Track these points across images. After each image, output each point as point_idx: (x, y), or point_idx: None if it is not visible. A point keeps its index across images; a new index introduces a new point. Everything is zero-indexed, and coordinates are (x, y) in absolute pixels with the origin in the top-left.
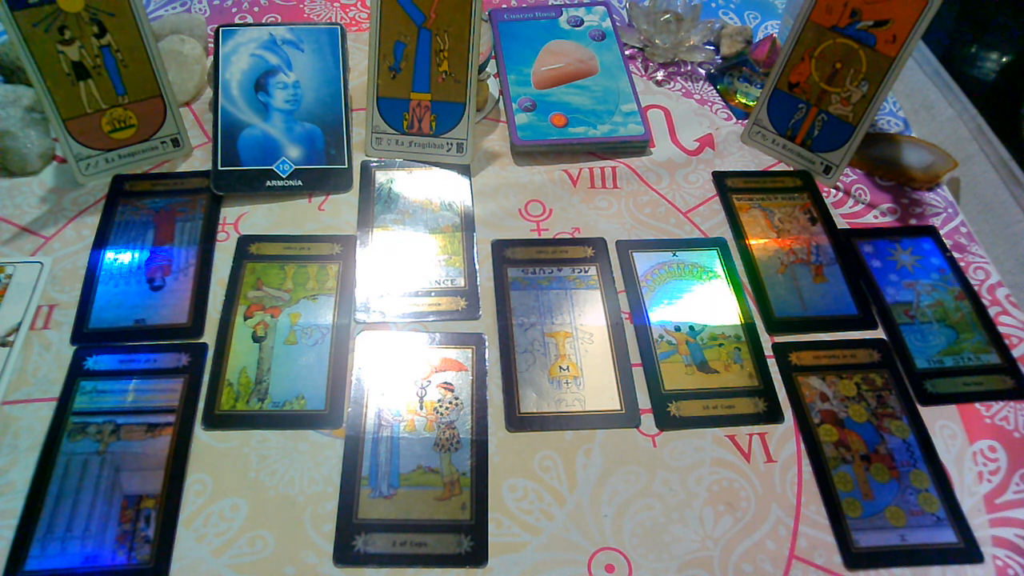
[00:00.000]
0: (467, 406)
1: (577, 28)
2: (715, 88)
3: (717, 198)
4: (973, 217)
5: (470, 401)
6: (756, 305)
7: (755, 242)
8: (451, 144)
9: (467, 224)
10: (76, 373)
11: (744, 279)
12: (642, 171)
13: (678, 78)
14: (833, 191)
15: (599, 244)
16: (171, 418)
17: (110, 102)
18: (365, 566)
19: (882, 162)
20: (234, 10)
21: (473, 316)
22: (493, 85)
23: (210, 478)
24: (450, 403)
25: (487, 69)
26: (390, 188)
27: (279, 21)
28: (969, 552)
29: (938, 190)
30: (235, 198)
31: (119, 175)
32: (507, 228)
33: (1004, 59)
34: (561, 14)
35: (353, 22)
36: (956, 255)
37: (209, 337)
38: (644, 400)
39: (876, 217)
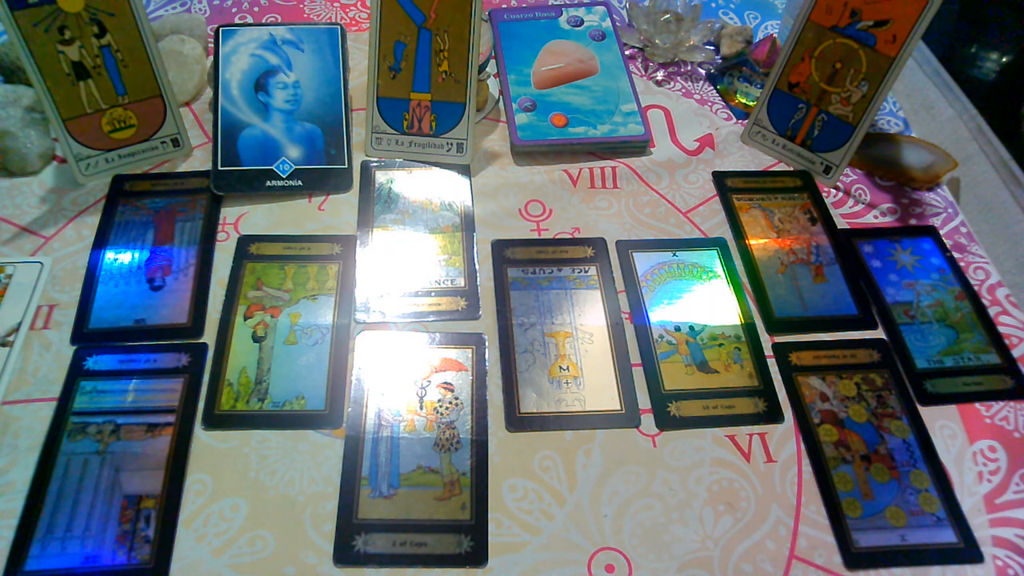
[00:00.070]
0: (467, 406)
1: (577, 28)
2: (715, 88)
3: (717, 198)
4: (973, 217)
5: (470, 401)
6: (756, 305)
7: (755, 242)
8: (451, 144)
9: (467, 224)
10: (76, 373)
11: (744, 279)
12: (642, 171)
13: (678, 78)
14: (833, 191)
15: (599, 244)
16: (171, 418)
17: (110, 102)
18: (365, 566)
19: (882, 162)
20: (234, 10)
21: (473, 316)
22: (493, 85)
23: (210, 478)
24: (450, 403)
25: (487, 69)
26: (390, 188)
27: (279, 21)
28: (969, 552)
29: (938, 190)
30: (235, 198)
31: (119, 175)
32: (507, 228)
33: (1004, 59)
34: (561, 14)
35: (353, 22)
36: (956, 255)
37: (209, 337)
38: (644, 400)
39: (876, 217)
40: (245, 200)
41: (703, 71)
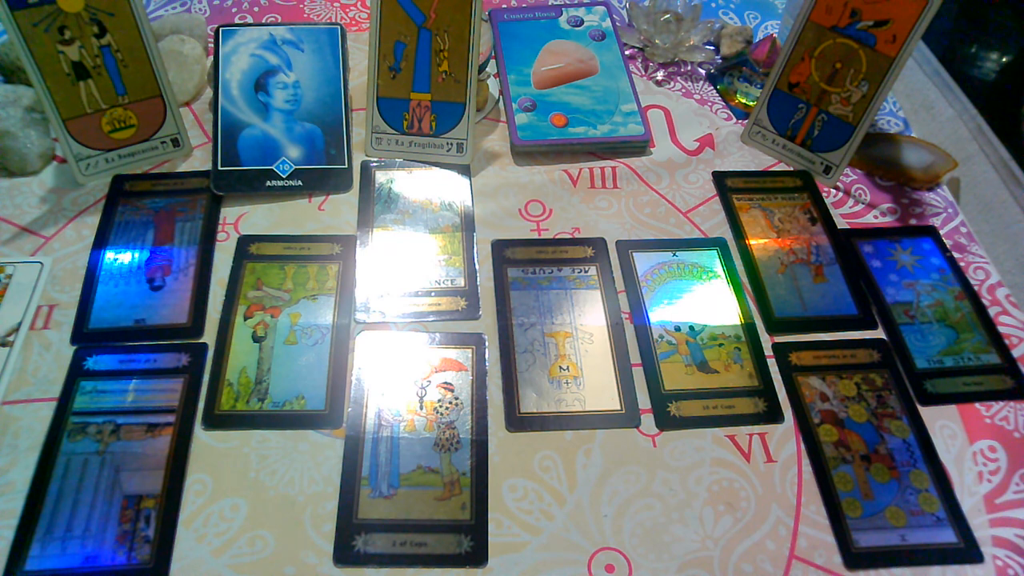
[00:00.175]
0: (467, 406)
1: (577, 28)
2: (715, 88)
3: (717, 198)
4: (973, 217)
5: (470, 401)
6: (756, 305)
7: (755, 242)
8: (451, 144)
9: (467, 224)
10: (76, 373)
11: (744, 279)
12: (642, 171)
13: (678, 78)
14: (833, 191)
15: (599, 244)
16: (171, 418)
17: (110, 102)
18: (365, 566)
19: (882, 162)
20: (234, 10)
21: (473, 316)
22: (493, 85)
23: (210, 478)
24: (450, 403)
25: (487, 69)
26: (390, 188)
27: (279, 21)
28: (969, 552)
29: (938, 190)
30: (235, 198)
31: (119, 175)
32: (507, 228)
33: (1004, 59)
34: (561, 14)
35: (353, 22)
36: (956, 255)
37: (209, 337)
38: (644, 400)
39: (876, 217)
40: (245, 200)
41: (703, 71)
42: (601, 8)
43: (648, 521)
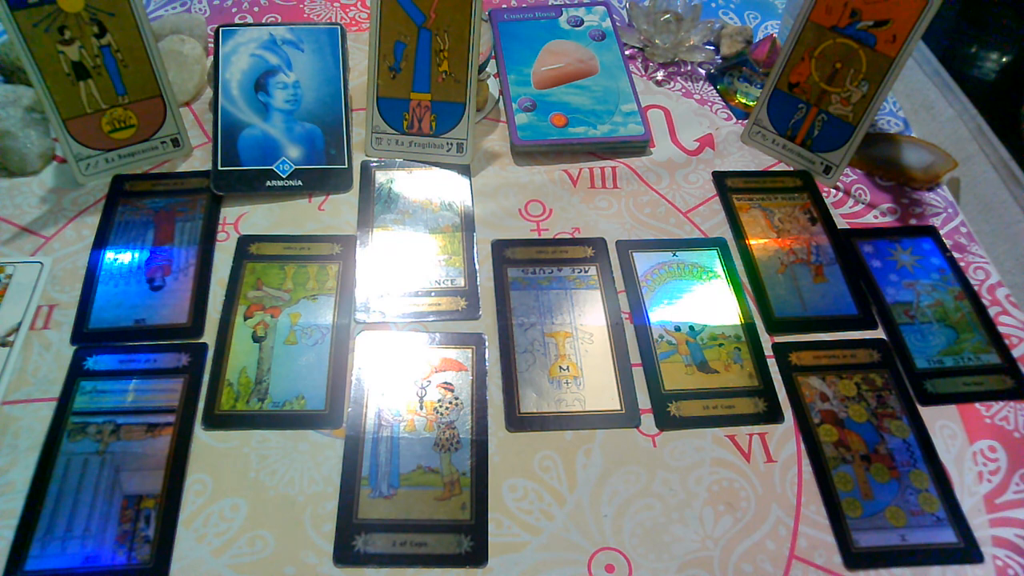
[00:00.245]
0: (467, 406)
1: (577, 28)
2: (715, 88)
3: (717, 198)
4: (973, 217)
5: (470, 401)
6: (756, 305)
7: (755, 242)
8: (451, 144)
9: (467, 224)
10: (76, 373)
11: (744, 279)
12: (642, 171)
13: (678, 78)
14: (833, 191)
15: (599, 244)
16: (171, 418)
17: (110, 102)
18: (365, 566)
19: (882, 162)
20: (234, 10)
21: (473, 316)
22: (493, 85)
23: (210, 478)
24: (450, 403)
25: (487, 69)
26: (390, 188)
27: (279, 21)
28: (969, 552)
29: (938, 190)
30: (235, 198)
31: (119, 175)
32: (507, 228)
33: (1004, 59)
34: (561, 14)
35: (353, 22)
36: (956, 255)
37: (209, 337)
38: (644, 400)
39: (876, 217)
40: (245, 200)
41: (703, 71)
42: (601, 8)
43: (648, 521)
